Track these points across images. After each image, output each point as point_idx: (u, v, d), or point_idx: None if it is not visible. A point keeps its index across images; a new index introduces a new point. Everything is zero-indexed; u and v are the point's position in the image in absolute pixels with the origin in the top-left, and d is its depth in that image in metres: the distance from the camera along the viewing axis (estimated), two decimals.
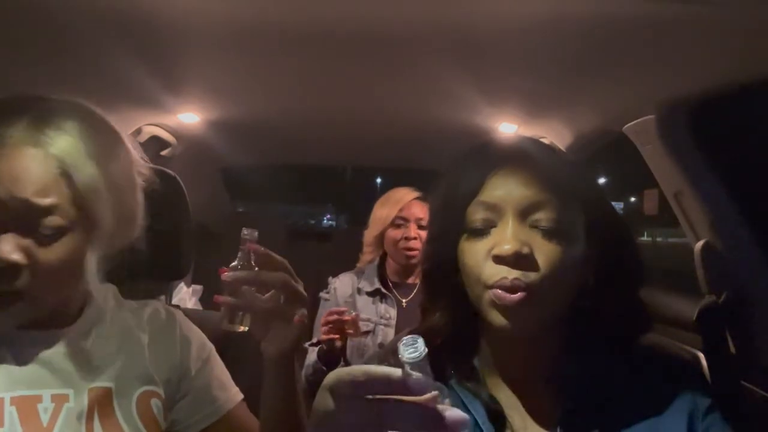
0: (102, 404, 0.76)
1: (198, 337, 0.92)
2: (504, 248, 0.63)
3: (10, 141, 0.66)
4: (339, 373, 0.46)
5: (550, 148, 0.76)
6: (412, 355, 0.45)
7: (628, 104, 1.29)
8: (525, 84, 1.34)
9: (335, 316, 1.62)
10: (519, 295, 0.63)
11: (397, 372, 0.44)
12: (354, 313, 1.66)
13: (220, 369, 0.91)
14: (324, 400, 0.45)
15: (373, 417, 0.43)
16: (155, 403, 0.81)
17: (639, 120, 1.27)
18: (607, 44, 1.00)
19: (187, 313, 1.21)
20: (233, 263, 0.74)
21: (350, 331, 1.64)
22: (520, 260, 0.63)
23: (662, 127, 1.23)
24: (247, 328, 0.75)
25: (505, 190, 0.66)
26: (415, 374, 0.44)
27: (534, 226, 0.65)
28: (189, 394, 0.86)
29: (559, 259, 0.64)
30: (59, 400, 0.73)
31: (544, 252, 0.64)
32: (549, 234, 0.65)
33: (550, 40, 1.02)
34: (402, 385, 0.43)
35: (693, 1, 0.80)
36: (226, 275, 0.72)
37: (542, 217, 0.65)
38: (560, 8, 0.89)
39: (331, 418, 0.45)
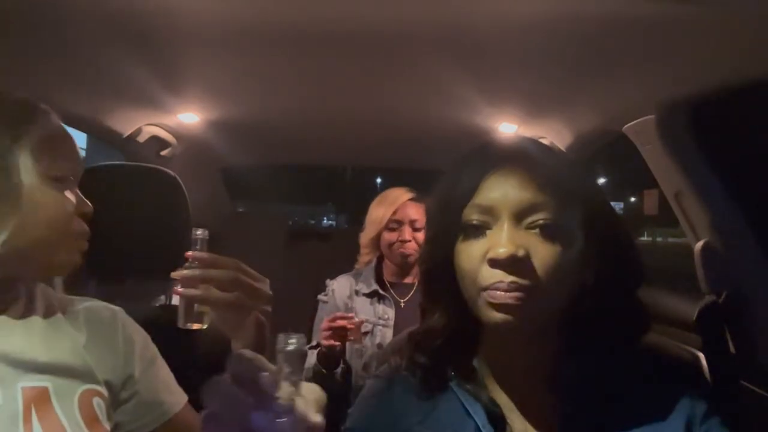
0: (40, 404, 0.73)
1: (142, 337, 0.89)
2: (499, 251, 0.63)
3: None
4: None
5: (549, 149, 0.75)
6: (287, 348, 0.50)
7: (628, 104, 1.29)
8: (525, 84, 1.34)
9: (339, 323, 1.60)
10: (515, 295, 0.63)
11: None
12: (358, 320, 1.65)
13: (165, 371, 0.90)
14: None
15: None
16: (97, 402, 0.79)
17: (639, 120, 1.27)
18: (607, 44, 1.00)
19: None
20: (186, 263, 0.75)
21: (352, 338, 1.63)
22: (515, 263, 0.63)
23: (662, 127, 1.23)
24: (205, 326, 0.76)
25: (500, 192, 0.66)
26: (287, 368, 0.49)
27: (530, 228, 0.65)
28: (134, 397, 0.84)
29: (556, 262, 0.64)
30: None
31: (541, 254, 0.64)
32: (545, 236, 0.64)
33: (550, 40, 1.02)
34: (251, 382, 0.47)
35: (693, 1, 0.80)
36: (175, 273, 0.72)
37: (538, 218, 0.64)
38: (560, 8, 0.89)
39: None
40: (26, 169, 0.74)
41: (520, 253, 0.63)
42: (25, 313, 0.79)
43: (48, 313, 0.81)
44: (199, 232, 0.75)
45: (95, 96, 1.41)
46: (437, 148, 2.09)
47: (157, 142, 1.85)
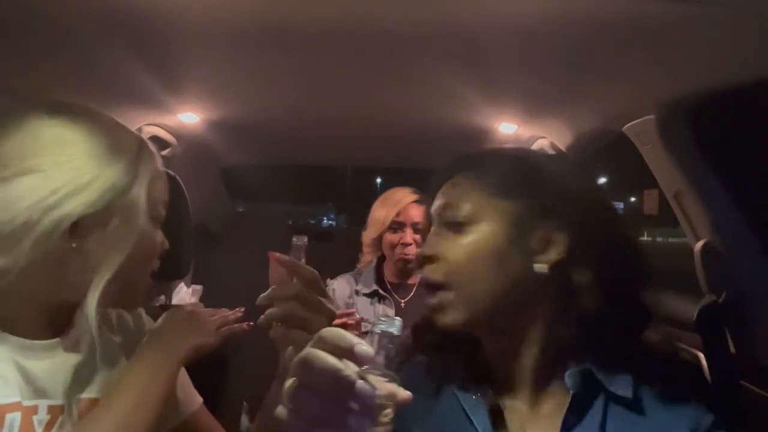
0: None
1: None
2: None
3: None
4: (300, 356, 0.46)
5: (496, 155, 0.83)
6: (385, 327, 0.48)
7: (628, 104, 1.29)
8: (525, 84, 1.34)
9: (340, 320, 1.61)
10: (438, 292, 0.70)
11: (348, 372, 0.43)
12: (358, 317, 1.65)
13: (182, 372, 0.89)
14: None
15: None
16: None
17: (639, 120, 1.27)
18: (607, 44, 1.00)
19: None
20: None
21: (355, 333, 1.63)
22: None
23: (662, 127, 1.23)
24: None
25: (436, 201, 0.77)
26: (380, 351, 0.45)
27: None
28: None
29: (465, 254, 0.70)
30: (55, 411, 0.71)
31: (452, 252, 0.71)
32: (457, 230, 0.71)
33: (550, 40, 1.02)
34: (348, 390, 0.43)
35: (693, 1, 0.80)
36: (260, 298, 0.69)
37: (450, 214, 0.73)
38: (560, 8, 0.89)
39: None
40: (141, 209, 0.74)
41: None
42: (84, 327, 0.75)
43: (100, 338, 0.81)
44: (295, 239, 0.73)
45: (95, 96, 1.41)
46: (437, 148, 2.08)
47: (157, 142, 1.85)
